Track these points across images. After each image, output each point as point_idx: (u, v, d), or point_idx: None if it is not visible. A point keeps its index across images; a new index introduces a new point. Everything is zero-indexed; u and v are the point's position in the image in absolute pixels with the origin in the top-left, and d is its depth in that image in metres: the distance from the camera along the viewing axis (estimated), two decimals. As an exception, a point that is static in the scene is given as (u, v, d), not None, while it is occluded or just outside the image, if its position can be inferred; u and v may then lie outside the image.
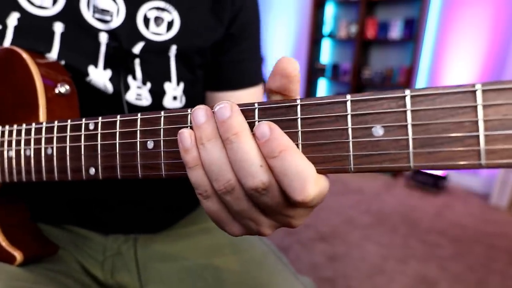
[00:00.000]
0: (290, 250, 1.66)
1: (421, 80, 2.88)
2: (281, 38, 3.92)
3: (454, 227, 1.93)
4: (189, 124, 0.27)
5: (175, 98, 0.50)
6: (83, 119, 0.31)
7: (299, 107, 0.24)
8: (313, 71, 3.61)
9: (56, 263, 0.48)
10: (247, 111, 0.25)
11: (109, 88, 0.45)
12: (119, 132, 0.29)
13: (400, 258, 1.61)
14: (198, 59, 0.51)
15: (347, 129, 0.22)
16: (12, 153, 0.37)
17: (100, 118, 0.30)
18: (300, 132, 0.24)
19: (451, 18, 2.63)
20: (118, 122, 0.29)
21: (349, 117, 0.22)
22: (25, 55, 0.39)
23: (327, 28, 3.51)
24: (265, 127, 0.23)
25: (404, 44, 3.01)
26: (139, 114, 0.28)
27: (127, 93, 0.46)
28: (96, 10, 0.44)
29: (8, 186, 0.41)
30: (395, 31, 2.96)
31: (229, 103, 0.24)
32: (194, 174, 0.25)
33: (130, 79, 0.46)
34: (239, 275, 0.50)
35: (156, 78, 0.48)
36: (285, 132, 0.24)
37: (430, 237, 1.81)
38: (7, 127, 0.37)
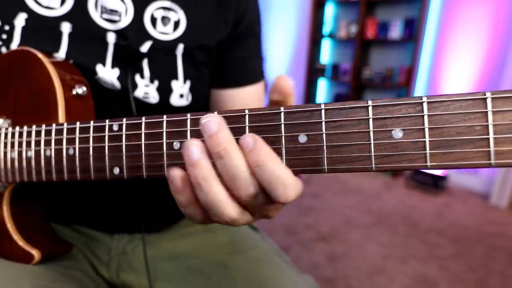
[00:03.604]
0: (290, 250, 1.66)
1: (421, 80, 2.88)
2: (281, 38, 3.92)
3: (454, 227, 1.93)
4: None
5: (181, 95, 0.50)
6: (107, 121, 0.32)
7: (323, 111, 0.25)
8: (313, 71, 3.61)
9: (70, 260, 0.49)
10: (273, 114, 0.27)
11: (117, 86, 0.45)
12: (144, 133, 0.30)
13: (400, 258, 1.62)
14: (204, 57, 0.52)
15: (368, 131, 0.24)
16: (31, 153, 0.37)
17: (124, 119, 0.31)
18: (324, 135, 0.25)
19: (451, 18, 2.63)
20: (143, 124, 0.30)
21: (370, 121, 0.24)
22: (41, 56, 0.40)
23: (327, 28, 3.51)
24: (250, 138, 0.25)
25: (404, 44, 3.01)
26: (164, 116, 0.29)
27: (135, 91, 0.47)
28: (105, 10, 0.45)
29: (22, 186, 0.42)
30: (395, 31, 2.96)
31: (215, 116, 0.25)
32: (188, 210, 0.28)
33: (137, 77, 0.47)
34: (244, 273, 0.50)
35: (163, 77, 0.49)
36: (310, 135, 0.26)
37: (430, 237, 1.81)
38: (25, 127, 0.38)
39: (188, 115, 0.29)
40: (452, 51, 2.64)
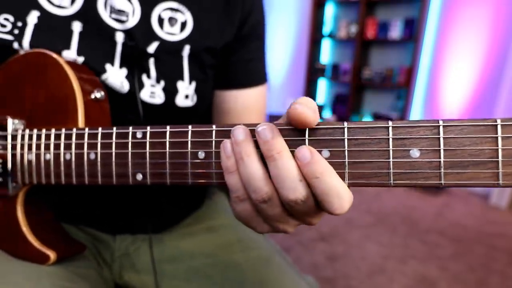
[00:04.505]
0: (290, 250, 1.66)
1: (421, 80, 2.88)
2: (281, 38, 3.92)
3: (454, 227, 1.94)
4: None
5: (187, 96, 0.51)
6: (130, 128, 0.33)
7: (346, 129, 0.27)
8: (313, 71, 3.61)
9: (82, 260, 0.49)
10: (297, 130, 0.28)
11: (125, 86, 0.46)
12: (169, 141, 0.31)
13: (400, 258, 1.62)
14: (210, 59, 0.52)
15: (388, 150, 0.26)
16: (50, 156, 0.37)
17: (148, 127, 0.32)
18: (346, 151, 0.27)
19: (451, 18, 2.64)
20: (168, 132, 0.31)
21: (390, 140, 0.26)
22: (60, 59, 0.40)
23: (327, 28, 3.51)
24: (306, 151, 0.26)
25: (404, 44, 3.01)
26: (190, 126, 0.30)
27: (141, 91, 0.47)
28: (113, 10, 0.45)
29: (35, 188, 0.42)
30: (395, 31, 2.96)
31: (270, 124, 0.27)
32: (232, 179, 0.28)
33: (144, 77, 0.47)
34: (246, 273, 0.51)
35: (169, 77, 0.49)
36: (333, 151, 0.27)
37: (430, 237, 1.82)
38: (43, 130, 0.38)
39: (214, 126, 0.30)
40: (452, 51, 2.64)
